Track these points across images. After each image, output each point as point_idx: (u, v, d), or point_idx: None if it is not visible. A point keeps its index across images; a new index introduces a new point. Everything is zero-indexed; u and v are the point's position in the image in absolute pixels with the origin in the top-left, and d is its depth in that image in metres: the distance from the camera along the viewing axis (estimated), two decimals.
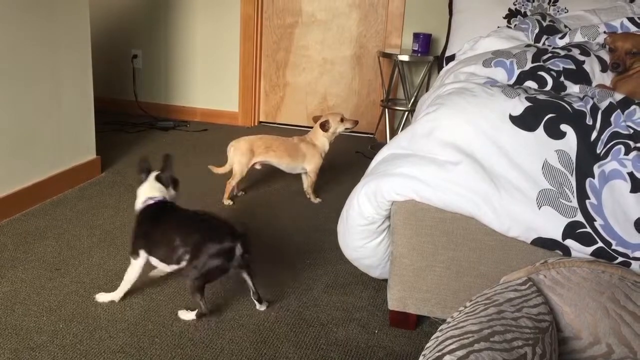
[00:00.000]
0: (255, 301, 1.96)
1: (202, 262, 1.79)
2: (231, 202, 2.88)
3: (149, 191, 1.95)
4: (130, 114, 4.49)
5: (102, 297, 1.95)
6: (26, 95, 2.60)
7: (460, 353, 1.04)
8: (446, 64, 2.72)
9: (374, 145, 4.02)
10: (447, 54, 3.02)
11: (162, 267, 1.91)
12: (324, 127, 2.89)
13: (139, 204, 1.95)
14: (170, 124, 4.31)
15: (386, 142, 2.69)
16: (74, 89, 2.93)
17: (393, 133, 3.97)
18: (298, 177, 3.07)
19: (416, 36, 3.80)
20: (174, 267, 1.87)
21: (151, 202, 1.93)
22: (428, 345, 1.14)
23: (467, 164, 1.63)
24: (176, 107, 4.56)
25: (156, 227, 1.90)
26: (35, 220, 2.55)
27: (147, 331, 1.80)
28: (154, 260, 1.90)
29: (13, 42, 2.49)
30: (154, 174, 1.99)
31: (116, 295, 1.93)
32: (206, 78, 4.48)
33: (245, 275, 1.91)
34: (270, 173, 3.16)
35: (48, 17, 2.68)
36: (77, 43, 2.92)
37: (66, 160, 2.92)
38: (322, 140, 2.92)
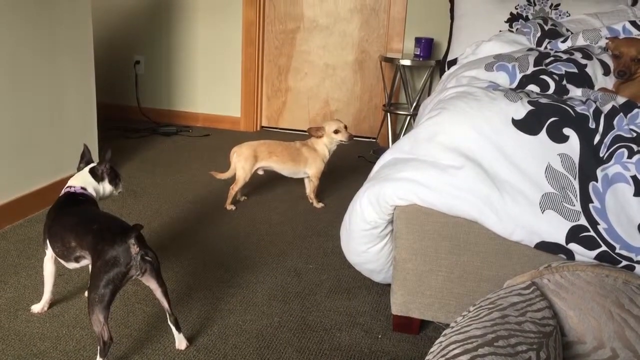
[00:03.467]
0: (172, 327, 1.71)
1: (97, 268, 1.56)
2: (234, 208, 2.88)
3: (74, 180, 1.88)
4: (133, 119, 4.50)
5: (35, 308, 1.90)
6: (29, 101, 2.61)
7: (464, 358, 1.03)
8: (448, 68, 2.73)
9: (376, 149, 4.02)
10: (449, 58, 3.02)
11: (64, 264, 1.78)
12: (317, 133, 2.88)
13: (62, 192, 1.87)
14: (173, 129, 4.31)
15: (388, 147, 2.69)
16: (77, 95, 2.94)
17: (395, 137, 3.97)
18: (300, 182, 3.07)
19: (418, 40, 3.80)
20: (74, 265, 1.75)
21: (68, 190, 1.85)
22: (432, 350, 1.13)
23: (470, 168, 1.63)
24: (178, 112, 4.57)
25: (57, 219, 1.76)
26: (38, 226, 2.55)
27: (150, 337, 1.80)
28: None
29: (15, 49, 2.49)
30: (91, 165, 1.92)
31: (41, 304, 1.90)
32: (208, 83, 4.49)
33: (153, 285, 1.64)
34: (272, 178, 3.17)
35: (50, 23, 2.69)
36: (80, 49, 2.93)
37: (69, 166, 2.91)
38: (321, 147, 2.92)
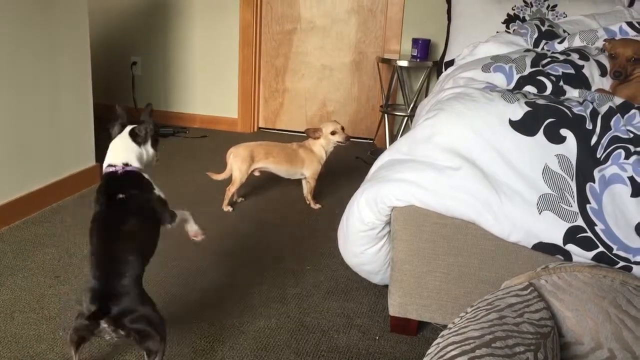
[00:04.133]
0: None
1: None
2: (230, 209, 2.88)
3: (113, 153, 1.61)
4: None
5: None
6: (25, 102, 2.60)
7: (461, 359, 1.03)
8: (445, 69, 2.73)
9: (374, 150, 4.02)
10: (446, 59, 3.02)
11: None
12: (314, 134, 2.89)
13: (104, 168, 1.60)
14: (170, 130, 4.31)
15: (386, 148, 2.69)
16: (74, 96, 2.93)
17: (393, 139, 3.97)
18: (297, 183, 3.07)
19: (415, 42, 3.80)
20: None
21: (109, 171, 1.58)
22: (429, 351, 1.13)
23: (467, 169, 1.63)
24: (175, 113, 4.57)
25: (93, 232, 1.56)
26: (35, 227, 2.54)
27: None
28: None
29: (12, 50, 2.49)
30: (130, 127, 1.64)
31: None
32: (205, 84, 4.49)
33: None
34: (269, 179, 3.16)
35: (47, 24, 2.69)
36: (77, 50, 2.92)
37: (66, 168, 2.91)
38: (318, 148, 2.92)
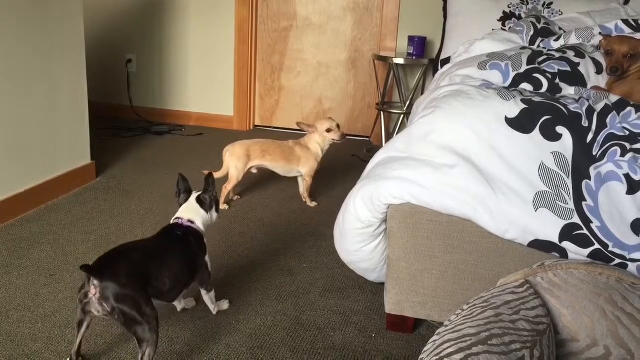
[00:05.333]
0: None
1: None
2: (227, 207, 2.87)
3: (183, 211, 1.79)
4: (125, 118, 4.48)
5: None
6: (20, 100, 2.59)
7: (458, 357, 1.03)
8: (441, 67, 2.73)
9: (370, 148, 4.02)
10: (442, 56, 3.02)
11: None
12: (309, 128, 2.89)
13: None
14: (165, 128, 4.30)
15: (382, 146, 2.68)
16: (68, 94, 2.92)
17: (389, 136, 3.97)
18: (294, 180, 3.07)
19: (411, 39, 3.80)
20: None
21: (176, 221, 1.77)
22: (426, 349, 1.13)
23: (464, 167, 1.63)
24: (171, 111, 4.56)
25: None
26: (30, 225, 2.53)
27: None
28: None
29: (7, 48, 2.47)
30: (196, 194, 1.82)
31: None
32: (201, 82, 4.48)
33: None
34: (265, 177, 3.16)
35: (42, 22, 2.67)
36: (71, 48, 2.91)
37: (61, 166, 2.90)
38: (314, 146, 2.92)
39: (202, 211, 1.80)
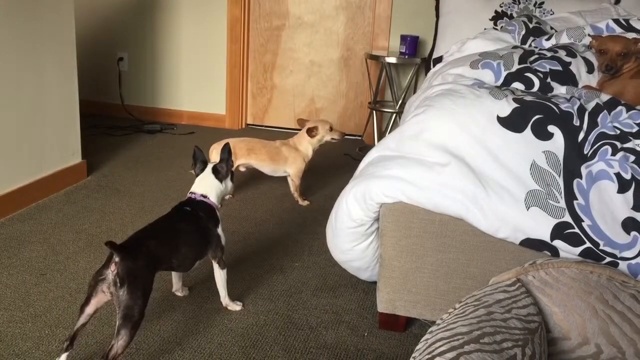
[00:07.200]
0: None
1: None
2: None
3: (196, 185, 1.85)
4: (117, 117, 4.46)
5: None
6: (10, 98, 2.57)
7: (450, 355, 1.03)
8: (433, 66, 2.73)
9: (362, 147, 4.02)
10: (435, 55, 3.03)
11: None
12: (311, 133, 2.89)
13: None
14: (157, 127, 4.28)
15: (374, 144, 2.69)
16: (59, 92, 2.90)
17: (381, 135, 3.98)
18: (285, 179, 3.06)
19: (403, 38, 3.81)
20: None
21: (190, 196, 1.84)
22: (418, 347, 1.13)
23: (455, 166, 1.63)
24: (163, 110, 4.54)
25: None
26: (20, 224, 2.51)
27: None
28: None
29: None
30: (212, 164, 1.87)
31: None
32: (193, 80, 4.46)
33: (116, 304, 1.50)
34: (256, 176, 3.15)
35: (32, 19, 2.65)
36: (62, 45, 2.89)
37: (51, 164, 2.88)
38: (305, 146, 2.92)
39: (216, 182, 1.85)
